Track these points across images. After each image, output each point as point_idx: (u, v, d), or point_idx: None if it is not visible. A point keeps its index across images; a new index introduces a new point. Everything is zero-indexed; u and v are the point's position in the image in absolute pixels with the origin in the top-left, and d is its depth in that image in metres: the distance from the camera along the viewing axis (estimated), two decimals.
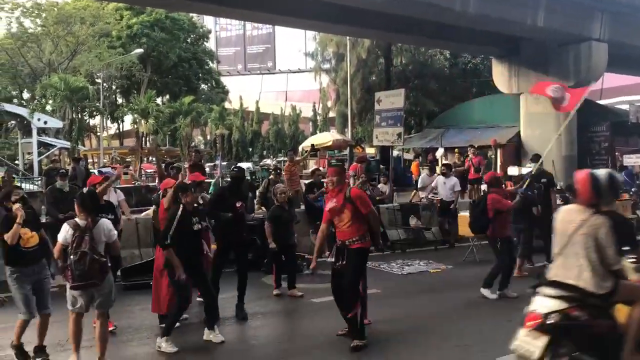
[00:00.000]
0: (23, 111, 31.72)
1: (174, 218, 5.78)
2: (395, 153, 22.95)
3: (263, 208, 10.74)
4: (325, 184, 6.24)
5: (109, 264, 5.26)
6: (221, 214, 6.88)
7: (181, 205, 5.88)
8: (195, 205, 6.09)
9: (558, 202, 9.96)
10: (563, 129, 19.19)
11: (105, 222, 5.29)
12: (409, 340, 5.97)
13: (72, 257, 4.94)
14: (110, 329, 6.32)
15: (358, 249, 5.75)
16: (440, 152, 21.06)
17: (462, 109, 26.32)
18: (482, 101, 26.22)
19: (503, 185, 8.33)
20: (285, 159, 16.24)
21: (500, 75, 21.43)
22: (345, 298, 5.75)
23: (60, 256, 5.09)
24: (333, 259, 6.02)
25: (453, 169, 13.89)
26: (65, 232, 5.08)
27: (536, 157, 10.42)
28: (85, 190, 5.52)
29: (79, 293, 5.08)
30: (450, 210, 12.07)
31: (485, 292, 7.69)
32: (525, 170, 11.40)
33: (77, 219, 5.15)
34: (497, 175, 8.33)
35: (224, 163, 37.79)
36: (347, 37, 28.94)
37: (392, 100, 15.58)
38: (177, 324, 6.24)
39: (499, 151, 20.73)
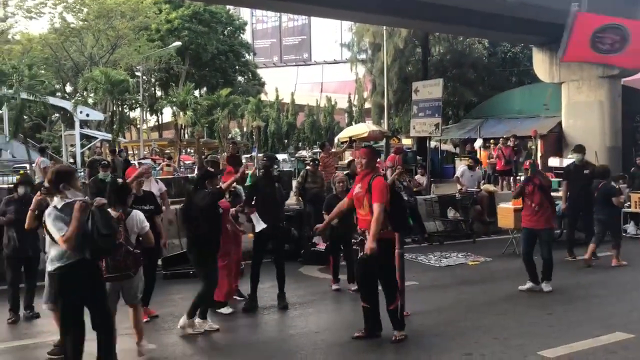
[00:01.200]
0: (66, 104, 32.60)
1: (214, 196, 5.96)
2: (432, 144, 22.74)
3: (300, 199, 10.79)
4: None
5: (142, 257, 5.31)
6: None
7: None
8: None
9: None
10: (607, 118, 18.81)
11: (138, 214, 5.29)
12: (446, 332, 5.92)
13: None
14: (154, 314, 6.50)
15: (382, 240, 5.42)
16: (478, 143, 20.76)
17: (502, 98, 25.88)
18: (522, 91, 25.74)
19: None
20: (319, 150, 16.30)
21: (541, 63, 20.96)
22: (385, 292, 5.63)
23: None
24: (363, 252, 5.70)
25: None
26: None
27: (579, 149, 10.15)
28: (116, 182, 5.59)
29: (109, 285, 4.99)
30: (477, 201, 12.17)
31: (542, 285, 7.59)
32: (566, 162, 11.17)
33: (109, 209, 5.07)
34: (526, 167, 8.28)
35: (260, 155, 38.10)
36: (384, 27, 28.70)
37: (429, 90, 15.40)
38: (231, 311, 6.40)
39: (539, 142, 20.31)
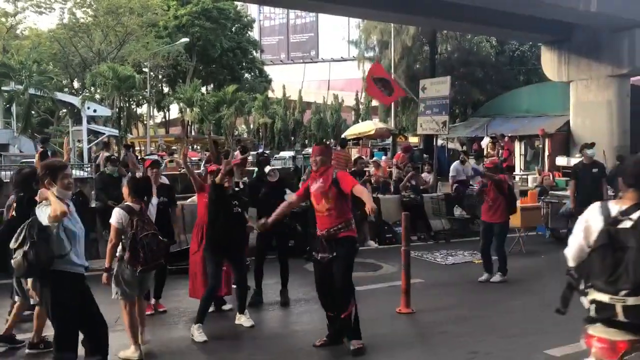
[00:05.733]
0: (74, 100, 32.68)
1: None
2: (439, 142, 22.67)
3: None
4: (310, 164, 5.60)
5: None
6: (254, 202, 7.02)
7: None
8: (236, 189, 6.20)
9: (609, 192, 9.64)
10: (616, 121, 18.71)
11: (150, 205, 5.59)
12: (452, 331, 5.89)
13: (143, 239, 4.91)
14: (161, 310, 6.51)
15: (346, 238, 5.19)
16: (485, 142, 20.65)
17: (509, 97, 25.78)
18: (530, 89, 25.63)
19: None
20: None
21: (550, 62, 20.86)
22: (338, 296, 5.21)
23: (118, 241, 4.99)
24: (320, 254, 5.29)
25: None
26: (121, 216, 4.98)
27: (591, 145, 10.07)
28: (135, 176, 5.65)
29: (140, 277, 5.05)
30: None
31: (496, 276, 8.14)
32: (574, 161, 11.09)
33: (129, 203, 5.10)
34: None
35: (267, 152, 38.14)
36: (392, 25, 28.64)
37: (437, 88, 15.36)
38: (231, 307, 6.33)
39: (547, 141, 20.22)
